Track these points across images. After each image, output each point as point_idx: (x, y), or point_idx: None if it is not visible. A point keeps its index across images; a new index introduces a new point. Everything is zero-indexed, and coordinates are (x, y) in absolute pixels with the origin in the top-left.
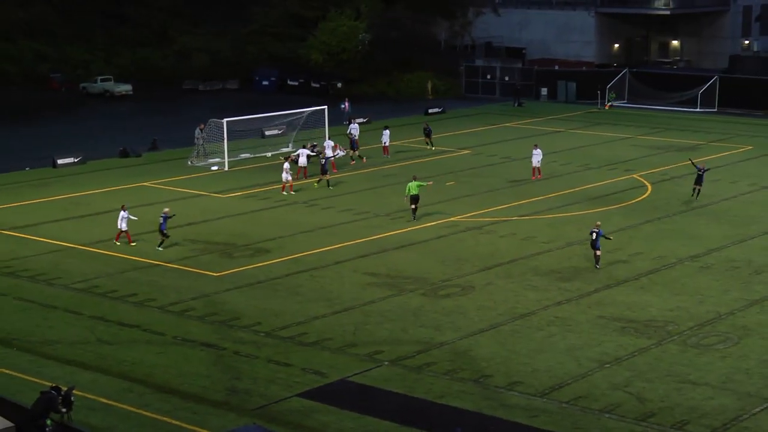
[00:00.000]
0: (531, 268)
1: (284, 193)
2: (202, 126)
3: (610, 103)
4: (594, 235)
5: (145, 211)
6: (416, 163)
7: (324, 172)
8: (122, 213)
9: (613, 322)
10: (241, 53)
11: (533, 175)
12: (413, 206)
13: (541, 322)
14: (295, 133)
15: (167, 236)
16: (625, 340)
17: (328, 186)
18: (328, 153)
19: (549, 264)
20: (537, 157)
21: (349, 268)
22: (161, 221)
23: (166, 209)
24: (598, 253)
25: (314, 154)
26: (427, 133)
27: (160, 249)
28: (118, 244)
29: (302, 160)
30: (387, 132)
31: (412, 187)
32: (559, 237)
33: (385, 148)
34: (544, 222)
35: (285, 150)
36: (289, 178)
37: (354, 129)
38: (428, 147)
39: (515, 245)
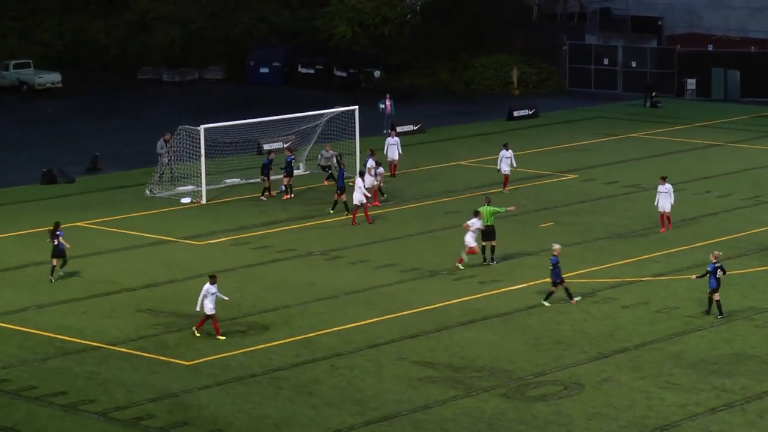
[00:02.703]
0: (671, 355)
1: (461, 266)
2: (168, 137)
3: None
4: (720, 272)
5: (81, 264)
6: (493, 193)
7: (342, 190)
8: (208, 288)
9: None
10: (227, 26)
11: (662, 225)
12: (488, 243)
13: None
14: (309, 148)
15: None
16: None
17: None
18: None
19: (698, 349)
20: (665, 198)
21: (390, 354)
22: (551, 267)
23: (556, 247)
24: (717, 297)
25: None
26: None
27: (546, 304)
28: (198, 335)
29: (358, 196)
30: (508, 153)
31: (485, 214)
32: (714, 308)
33: (506, 177)
34: (690, 285)
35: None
36: (474, 243)
37: (391, 146)
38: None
39: (646, 320)
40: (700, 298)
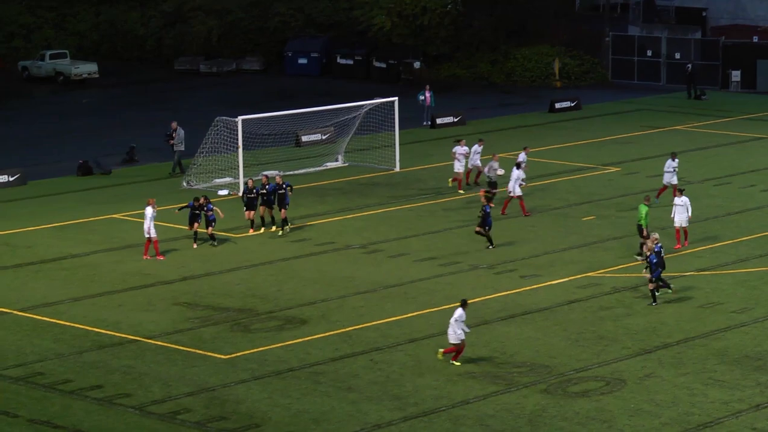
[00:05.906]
0: (714, 351)
1: None
2: (175, 125)
3: None
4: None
5: (117, 257)
6: (539, 186)
7: (486, 225)
8: (461, 314)
9: None
10: (265, 16)
11: (678, 241)
12: (642, 241)
13: None
14: (347, 140)
15: None
16: None
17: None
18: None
19: (742, 345)
20: (682, 211)
21: (430, 348)
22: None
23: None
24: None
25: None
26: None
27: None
28: (447, 362)
29: (513, 186)
30: (674, 162)
31: (640, 213)
32: (759, 303)
33: (664, 187)
34: (735, 280)
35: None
36: None
37: (476, 153)
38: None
39: (689, 316)
40: (745, 296)
